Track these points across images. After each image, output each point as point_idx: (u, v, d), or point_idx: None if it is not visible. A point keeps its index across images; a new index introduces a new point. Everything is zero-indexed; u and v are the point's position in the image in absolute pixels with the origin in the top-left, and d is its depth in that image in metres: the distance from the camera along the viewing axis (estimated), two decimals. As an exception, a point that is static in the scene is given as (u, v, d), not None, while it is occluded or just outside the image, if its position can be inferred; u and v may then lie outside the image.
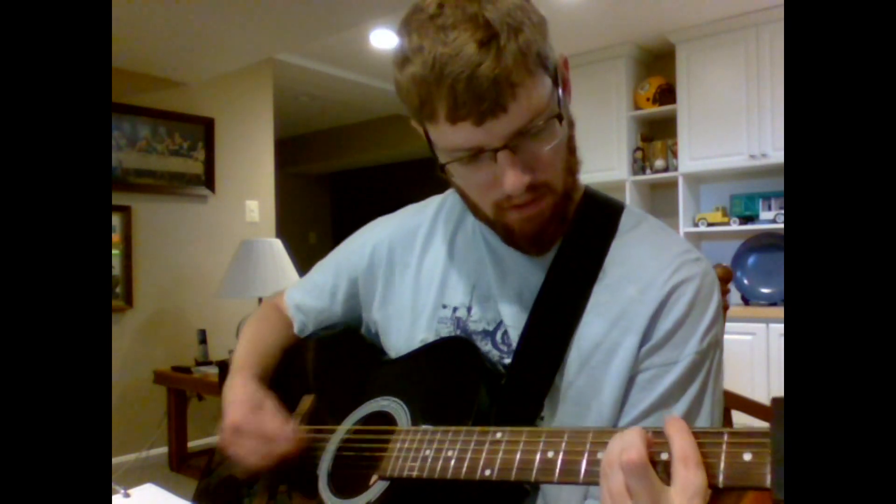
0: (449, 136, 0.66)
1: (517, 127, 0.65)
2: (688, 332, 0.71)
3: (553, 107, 0.67)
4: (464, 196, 0.77)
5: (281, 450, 0.79)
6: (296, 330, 0.99)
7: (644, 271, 0.73)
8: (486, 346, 0.79)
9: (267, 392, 0.86)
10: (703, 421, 0.71)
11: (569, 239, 0.77)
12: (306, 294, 0.99)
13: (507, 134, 0.65)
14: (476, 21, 0.62)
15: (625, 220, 0.79)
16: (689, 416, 0.70)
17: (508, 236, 0.76)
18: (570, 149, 0.74)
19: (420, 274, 0.87)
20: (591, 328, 0.73)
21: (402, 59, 0.66)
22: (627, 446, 0.51)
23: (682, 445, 0.50)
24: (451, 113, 0.64)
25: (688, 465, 0.49)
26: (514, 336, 0.76)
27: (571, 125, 0.74)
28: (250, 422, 0.80)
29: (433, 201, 0.92)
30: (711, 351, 0.72)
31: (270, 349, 0.97)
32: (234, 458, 0.83)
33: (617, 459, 0.51)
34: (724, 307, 1.21)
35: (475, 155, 0.67)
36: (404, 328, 0.86)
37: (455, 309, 0.82)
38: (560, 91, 0.69)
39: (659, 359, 0.70)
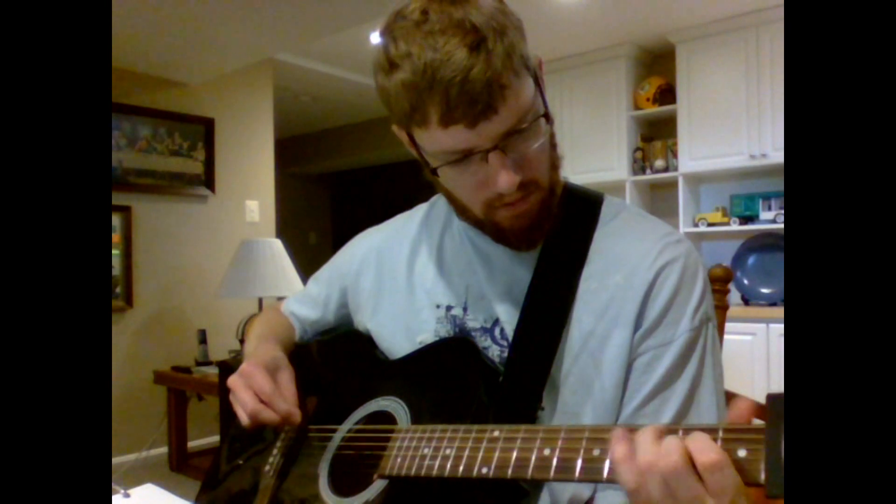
0: (440, 140, 0.67)
1: (507, 127, 0.66)
2: (679, 311, 0.72)
3: (538, 106, 0.69)
4: (451, 199, 0.78)
5: (268, 415, 0.77)
6: (296, 337, 1.01)
7: (628, 258, 0.75)
8: (486, 342, 0.80)
9: (290, 365, 0.86)
10: (707, 396, 0.72)
11: (553, 233, 0.78)
12: (301, 305, 1.02)
13: (498, 135, 0.66)
14: (463, 26, 0.63)
15: (605, 211, 0.81)
16: (693, 392, 0.71)
17: (499, 234, 0.77)
18: (553, 145, 0.76)
19: (412, 279, 0.88)
20: (582, 318, 0.74)
21: (389, 65, 0.67)
22: (666, 452, 0.50)
23: (709, 455, 0.49)
24: (444, 117, 0.65)
25: (723, 469, 0.48)
26: (510, 332, 0.77)
27: (552, 122, 0.75)
28: (257, 375, 0.79)
29: (420, 209, 0.94)
30: (704, 327, 0.73)
31: (286, 337, 0.98)
32: (233, 403, 0.82)
33: (657, 465, 0.50)
34: (725, 307, 1.21)
35: (466, 156, 0.68)
36: (400, 332, 0.87)
37: (449, 308, 0.83)
38: (542, 91, 0.72)
39: (654, 341, 0.72)
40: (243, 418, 0.80)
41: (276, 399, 0.78)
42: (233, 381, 0.81)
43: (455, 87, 0.63)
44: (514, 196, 0.71)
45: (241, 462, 0.93)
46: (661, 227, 0.79)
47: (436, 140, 0.68)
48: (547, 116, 0.70)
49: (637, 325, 0.72)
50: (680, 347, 0.71)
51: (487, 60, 0.63)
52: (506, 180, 0.68)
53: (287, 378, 0.83)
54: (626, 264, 0.75)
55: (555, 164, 0.77)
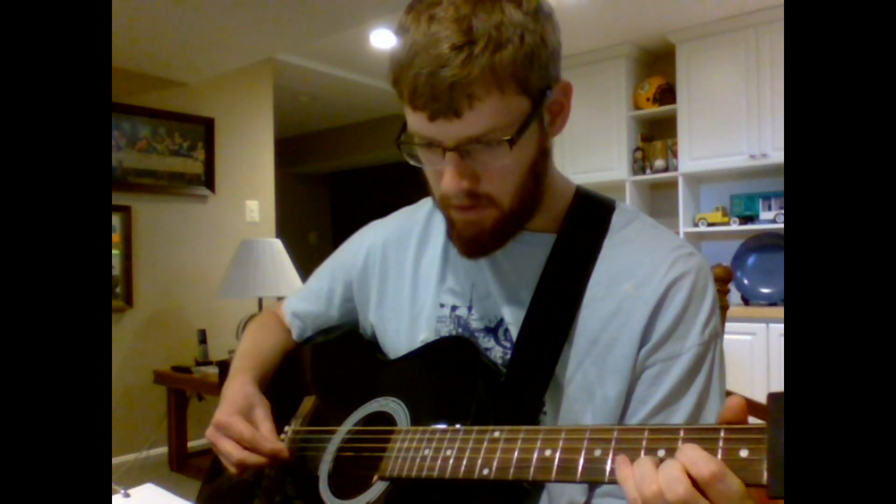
0: (411, 118, 0.69)
1: (470, 135, 0.66)
2: (688, 325, 0.72)
3: (513, 128, 0.66)
4: (425, 177, 0.78)
5: (255, 459, 0.79)
6: (295, 337, 1.01)
7: (639, 268, 0.74)
8: (489, 343, 0.79)
9: (262, 397, 0.86)
10: (712, 410, 0.71)
11: (562, 237, 0.78)
12: (302, 300, 1.01)
13: (459, 138, 0.66)
14: (460, 24, 0.63)
15: (616, 218, 0.79)
16: (700, 407, 0.71)
17: (450, 231, 0.78)
18: (534, 174, 0.73)
19: (417, 275, 0.88)
20: (588, 324, 0.74)
21: (397, 30, 0.68)
22: (667, 481, 0.50)
23: (707, 467, 0.49)
24: (410, 100, 0.66)
25: (723, 479, 0.48)
26: (515, 333, 0.77)
27: (544, 152, 0.73)
28: (234, 423, 0.80)
29: (426, 203, 0.93)
30: (713, 342, 0.73)
31: (270, 353, 0.97)
32: (217, 455, 0.83)
33: (664, 496, 0.50)
34: (724, 307, 1.21)
35: (429, 145, 0.68)
36: (403, 329, 0.87)
37: (454, 308, 0.83)
38: (545, 118, 0.71)
39: (663, 353, 0.71)
40: (230, 469, 0.80)
41: (258, 441, 0.79)
42: (210, 433, 0.82)
43: (422, 78, 0.63)
44: (463, 202, 0.71)
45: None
46: (673, 238, 0.78)
47: (409, 116, 0.69)
48: (513, 142, 0.66)
49: (645, 336, 0.71)
50: (688, 361, 0.71)
51: (463, 65, 0.62)
52: (449, 183, 0.68)
53: (262, 415, 0.83)
54: (636, 274, 0.74)
55: (529, 191, 0.73)
